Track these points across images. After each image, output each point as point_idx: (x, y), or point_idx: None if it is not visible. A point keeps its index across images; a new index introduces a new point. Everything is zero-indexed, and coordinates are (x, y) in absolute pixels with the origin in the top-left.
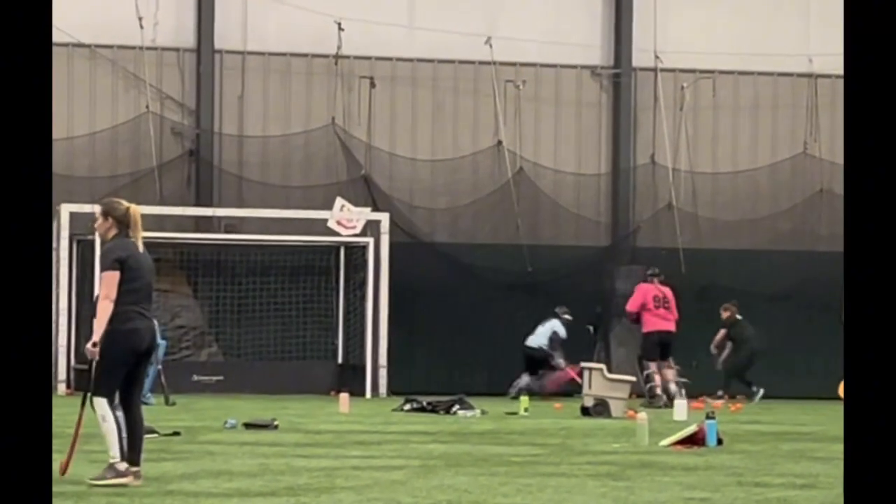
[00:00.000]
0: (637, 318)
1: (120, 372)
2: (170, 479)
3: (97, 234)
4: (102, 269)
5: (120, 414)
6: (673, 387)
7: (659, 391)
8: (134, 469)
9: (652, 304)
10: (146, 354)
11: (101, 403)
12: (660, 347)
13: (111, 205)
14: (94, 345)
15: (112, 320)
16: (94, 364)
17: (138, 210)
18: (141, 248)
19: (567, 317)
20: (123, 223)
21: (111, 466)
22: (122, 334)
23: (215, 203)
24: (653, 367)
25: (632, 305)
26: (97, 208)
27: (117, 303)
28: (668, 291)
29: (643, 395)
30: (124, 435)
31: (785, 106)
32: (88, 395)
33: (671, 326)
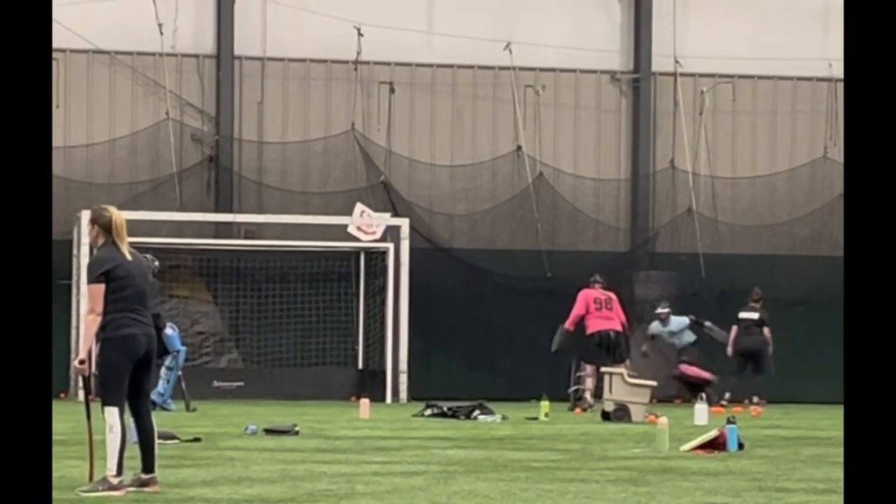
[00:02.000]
0: (580, 323)
1: (122, 379)
2: (190, 485)
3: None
4: (88, 281)
5: (132, 423)
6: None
7: (588, 395)
8: (148, 476)
9: (593, 306)
10: (146, 360)
11: (111, 413)
12: (605, 349)
13: (97, 212)
14: (81, 362)
15: (105, 329)
16: (89, 378)
17: (122, 216)
18: (128, 254)
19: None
20: (108, 230)
21: (105, 479)
22: (117, 341)
23: (235, 209)
24: (588, 370)
25: (575, 311)
26: (86, 218)
27: (109, 311)
28: (610, 294)
29: (663, 399)
30: (130, 447)
31: (804, 110)
32: (87, 406)
33: (615, 325)
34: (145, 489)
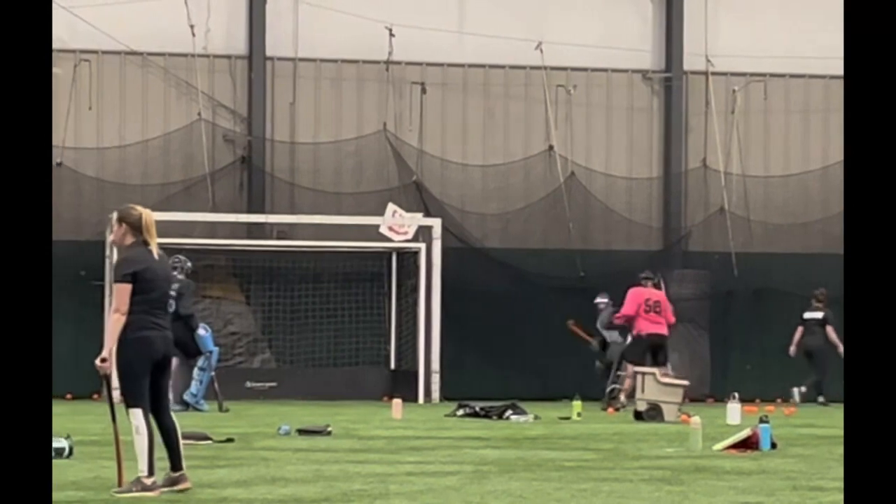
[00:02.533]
0: (628, 321)
1: (142, 380)
2: (224, 485)
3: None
4: (115, 280)
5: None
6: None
7: (622, 396)
8: (177, 473)
9: (643, 308)
10: (163, 364)
11: (135, 414)
12: (650, 352)
13: (125, 211)
14: (103, 360)
15: (125, 330)
16: (110, 377)
17: (152, 215)
18: (157, 255)
19: None
20: (137, 229)
21: (138, 480)
22: (134, 342)
23: (267, 210)
24: (629, 370)
25: (625, 310)
26: (112, 216)
27: (131, 312)
28: (661, 296)
29: (695, 399)
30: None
31: (836, 109)
32: (112, 407)
33: (663, 330)
34: (176, 487)
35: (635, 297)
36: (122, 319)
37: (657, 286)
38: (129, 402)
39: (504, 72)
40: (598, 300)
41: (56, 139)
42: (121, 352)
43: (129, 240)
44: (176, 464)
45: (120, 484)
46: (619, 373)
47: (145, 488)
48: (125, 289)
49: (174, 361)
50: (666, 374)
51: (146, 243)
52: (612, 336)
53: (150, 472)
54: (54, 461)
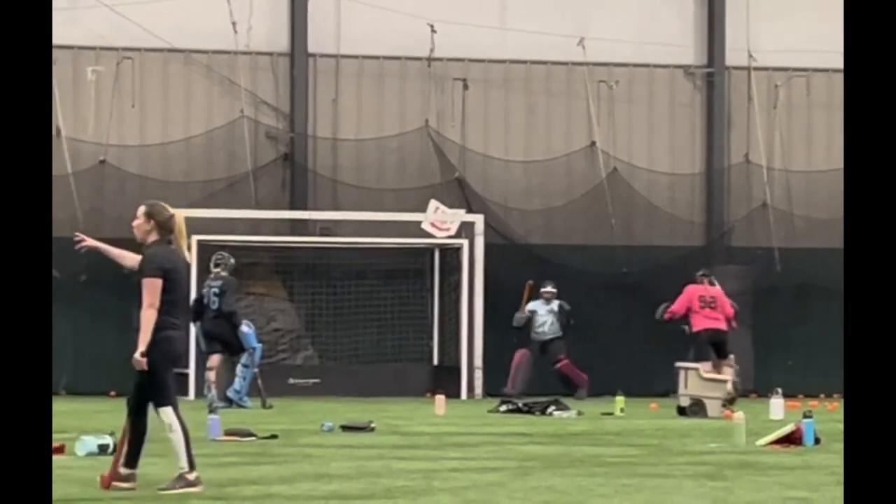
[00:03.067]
0: (683, 318)
1: (168, 378)
2: (268, 481)
3: (192, 239)
4: (145, 275)
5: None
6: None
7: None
8: (130, 471)
9: (698, 304)
10: (177, 364)
11: (166, 412)
12: (713, 347)
13: (156, 208)
14: (143, 355)
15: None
16: (144, 374)
17: (183, 218)
18: (184, 256)
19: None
20: (166, 229)
21: (181, 476)
22: (160, 342)
23: (310, 206)
24: (706, 367)
25: (678, 307)
26: (141, 208)
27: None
28: (716, 291)
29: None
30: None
31: None
32: (135, 405)
33: (721, 325)
34: (123, 484)
35: (687, 295)
36: (155, 315)
37: (712, 283)
38: (160, 401)
39: (546, 68)
40: (547, 289)
41: (99, 137)
42: (146, 352)
43: (154, 237)
44: (132, 462)
45: (106, 485)
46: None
47: (189, 484)
48: (157, 284)
49: (217, 358)
50: (730, 367)
51: (169, 243)
52: (549, 328)
53: (192, 468)
54: (100, 458)
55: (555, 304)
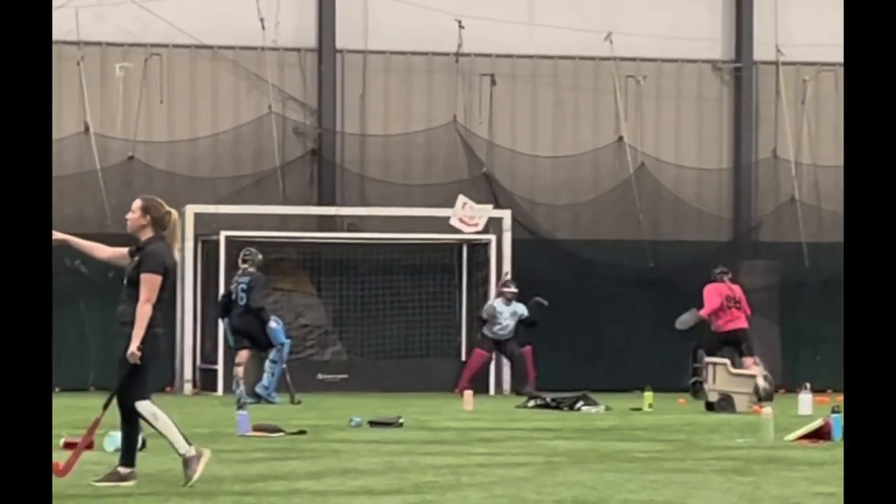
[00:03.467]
0: (710, 316)
1: (148, 374)
2: (296, 477)
3: (220, 235)
4: (148, 270)
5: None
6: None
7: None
8: (129, 470)
9: (725, 303)
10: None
11: (145, 406)
12: (731, 346)
13: (153, 203)
14: (139, 349)
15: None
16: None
17: (177, 217)
18: (175, 255)
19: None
20: (160, 226)
21: (187, 461)
22: (149, 339)
23: (338, 202)
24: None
25: (710, 305)
26: (137, 202)
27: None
28: (739, 291)
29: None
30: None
31: None
32: (112, 398)
33: (743, 324)
34: (124, 484)
35: (717, 292)
36: (151, 310)
37: (733, 281)
38: (139, 395)
39: (574, 63)
40: (508, 289)
41: (127, 133)
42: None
43: (149, 233)
44: (129, 461)
45: (63, 473)
46: (696, 365)
47: (195, 459)
48: (158, 280)
49: (245, 354)
50: (756, 363)
51: (162, 239)
52: (508, 332)
53: (189, 444)
54: None
55: (517, 307)
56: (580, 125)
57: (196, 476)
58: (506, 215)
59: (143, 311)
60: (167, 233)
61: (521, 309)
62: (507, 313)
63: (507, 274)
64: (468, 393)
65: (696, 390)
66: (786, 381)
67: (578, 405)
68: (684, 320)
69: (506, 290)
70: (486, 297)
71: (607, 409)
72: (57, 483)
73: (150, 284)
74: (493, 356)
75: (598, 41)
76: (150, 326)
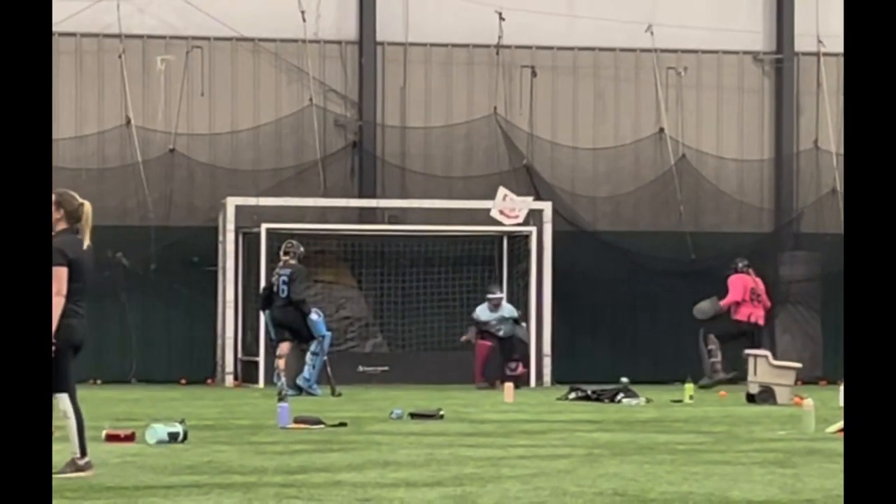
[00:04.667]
0: (730, 307)
1: (67, 365)
2: (337, 469)
3: (261, 227)
4: (54, 263)
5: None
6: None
7: (719, 367)
8: (87, 459)
9: (748, 296)
10: (78, 351)
11: (62, 399)
12: (746, 337)
13: (65, 197)
14: (53, 341)
15: None
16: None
17: (91, 208)
18: (86, 245)
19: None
20: (74, 218)
21: (72, 461)
22: (61, 329)
23: (378, 194)
24: (717, 345)
25: (733, 297)
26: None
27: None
28: (760, 283)
29: (808, 381)
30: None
31: None
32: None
33: (762, 319)
34: (82, 474)
35: (742, 284)
36: (62, 302)
37: (757, 274)
38: (57, 387)
39: (614, 55)
40: (493, 295)
41: (169, 125)
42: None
43: (63, 226)
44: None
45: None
46: (709, 347)
47: (79, 468)
48: (63, 272)
49: (286, 346)
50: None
51: (76, 231)
52: (510, 328)
53: (83, 453)
54: (170, 446)
55: (505, 311)
56: (621, 117)
57: (63, 476)
58: (546, 207)
59: (54, 304)
60: (81, 224)
61: (510, 311)
62: (493, 320)
63: (491, 279)
64: (509, 385)
65: (715, 371)
66: (827, 373)
67: (619, 397)
68: (704, 309)
69: (490, 296)
70: (526, 288)
71: (648, 401)
72: (99, 475)
73: (57, 277)
74: (496, 344)
75: (639, 33)
76: (64, 317)
